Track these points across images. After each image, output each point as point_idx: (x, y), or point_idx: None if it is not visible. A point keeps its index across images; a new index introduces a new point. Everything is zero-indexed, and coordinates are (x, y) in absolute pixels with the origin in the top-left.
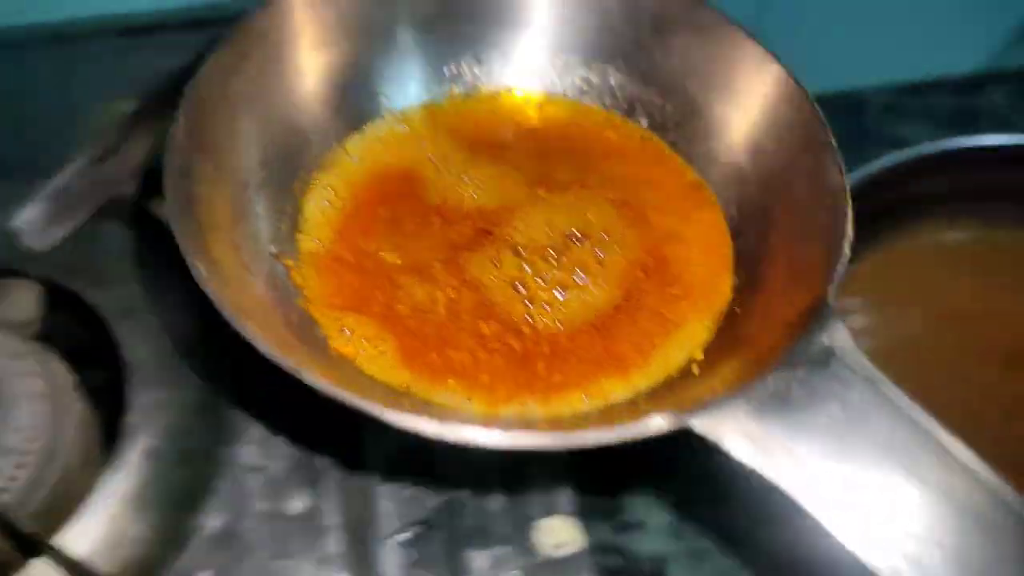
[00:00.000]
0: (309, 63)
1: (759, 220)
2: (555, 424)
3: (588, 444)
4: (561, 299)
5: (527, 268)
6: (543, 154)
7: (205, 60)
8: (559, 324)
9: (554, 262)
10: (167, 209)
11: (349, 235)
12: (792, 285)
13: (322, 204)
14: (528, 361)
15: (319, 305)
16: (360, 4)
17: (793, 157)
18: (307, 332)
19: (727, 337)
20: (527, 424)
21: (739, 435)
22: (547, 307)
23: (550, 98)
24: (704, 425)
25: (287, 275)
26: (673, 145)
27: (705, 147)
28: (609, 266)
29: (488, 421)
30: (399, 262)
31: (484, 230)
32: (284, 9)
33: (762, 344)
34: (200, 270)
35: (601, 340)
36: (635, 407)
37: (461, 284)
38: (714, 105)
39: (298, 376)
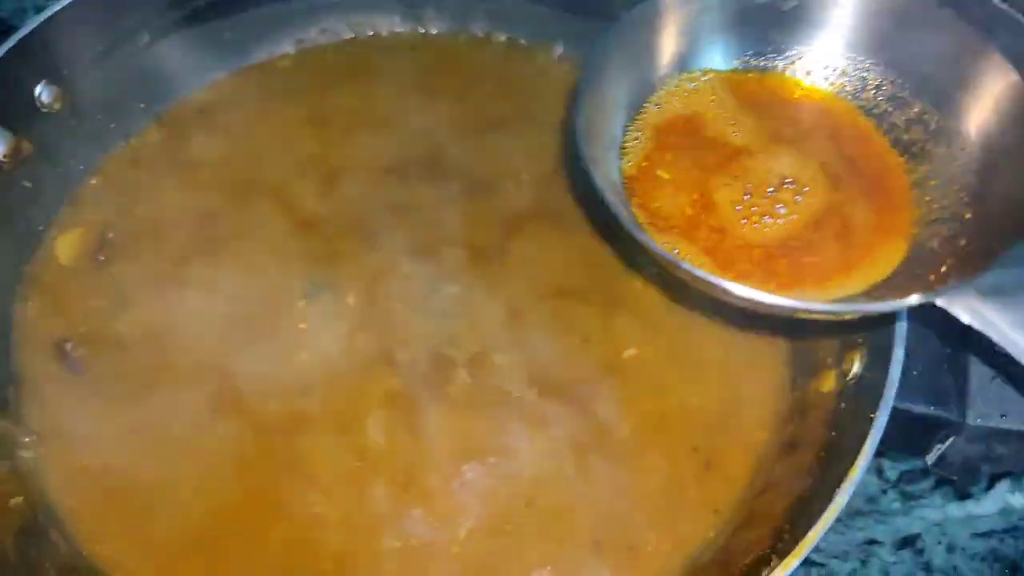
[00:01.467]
0: (662, 46)
1: (984, 176)
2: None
3: (866, 311)
4: (768, 222)
5: (747, 196)
6: (787, 120)
7: (604, 35)
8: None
9: (767, 196)
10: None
11: (649, 162)
12: (1007, 214)
13: (634, 139)
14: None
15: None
16: (698, 15)
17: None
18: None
19: (943, 248)
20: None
21: (968, 310)
22: (756, 226)
23: (811, 84)
24: (945, 302)
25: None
26: (900, 142)
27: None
28: (803, 207)
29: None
30: (667, 176)
31: (733, 160)
32: (657, 9)
33: (983, 251)
34: (600, 183)
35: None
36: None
37: (700, 196)
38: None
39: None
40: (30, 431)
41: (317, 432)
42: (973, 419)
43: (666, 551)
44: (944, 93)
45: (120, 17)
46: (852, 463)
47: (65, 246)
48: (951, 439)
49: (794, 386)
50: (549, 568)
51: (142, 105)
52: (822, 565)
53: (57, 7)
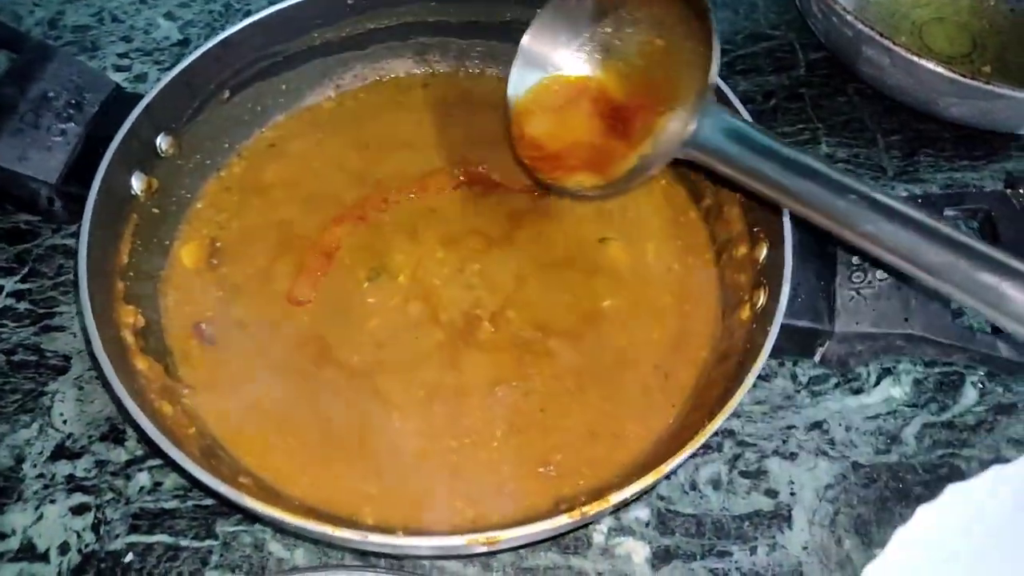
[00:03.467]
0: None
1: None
2: None
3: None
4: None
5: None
6: None
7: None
8: None
9: None
10: None
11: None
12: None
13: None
14: None
15: None
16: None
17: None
18: None
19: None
20: None
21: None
22: None
23: None
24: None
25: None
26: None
27: None
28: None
29: None
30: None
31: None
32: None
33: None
34: None
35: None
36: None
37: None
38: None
39: None
40: (186, 385)
41: (390, 373)
42: (839, 327)
43: (641, 435)
44: None
45: (208, 81)
46: (756, 359)
47: (187, 254)
48: (827, 343)
49: (724, 317)
50: (560, 453)
51: (226, 144)
52: (754, 445)
53: (168, 78)
